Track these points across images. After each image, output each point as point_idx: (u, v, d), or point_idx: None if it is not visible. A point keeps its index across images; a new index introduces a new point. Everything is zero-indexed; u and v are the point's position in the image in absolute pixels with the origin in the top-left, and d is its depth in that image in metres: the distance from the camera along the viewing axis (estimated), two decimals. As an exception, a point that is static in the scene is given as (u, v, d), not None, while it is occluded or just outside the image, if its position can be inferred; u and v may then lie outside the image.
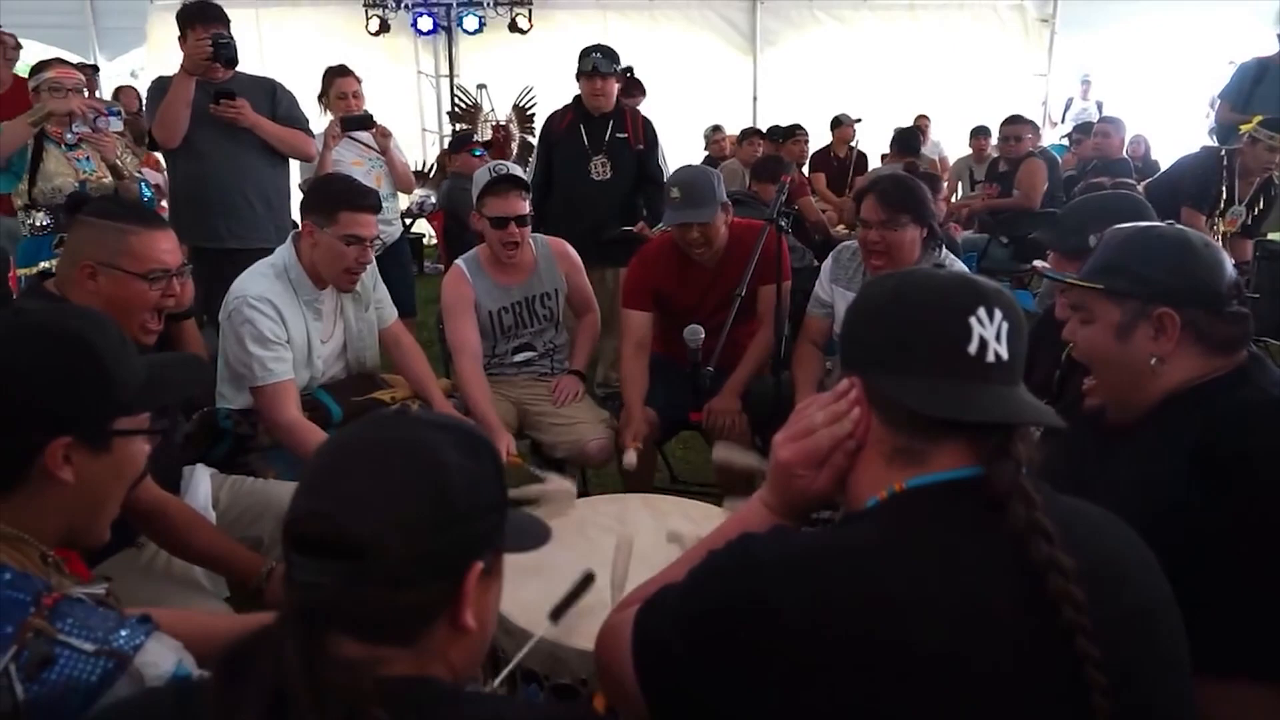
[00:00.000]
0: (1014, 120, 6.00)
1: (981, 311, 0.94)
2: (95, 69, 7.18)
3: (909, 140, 6.31)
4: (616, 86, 4.10)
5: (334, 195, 2.48)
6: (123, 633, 0.99)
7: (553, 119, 4.24)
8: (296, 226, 4.18)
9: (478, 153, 6.37)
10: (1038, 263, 1.69)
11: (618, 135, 4.09)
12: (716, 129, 7.52)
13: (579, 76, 4.07)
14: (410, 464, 0.83)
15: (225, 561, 1.83)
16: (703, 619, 0.91)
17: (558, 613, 1.57)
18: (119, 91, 7.44)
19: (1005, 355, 0.94)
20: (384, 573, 0.79)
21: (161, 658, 1.00)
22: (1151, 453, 1.33)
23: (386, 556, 0.79)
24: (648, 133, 4.19)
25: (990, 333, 0.94)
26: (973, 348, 0.93)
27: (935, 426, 0.93)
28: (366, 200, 2.49)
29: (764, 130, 7.36)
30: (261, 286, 2.43)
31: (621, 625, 1.01)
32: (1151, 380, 1.37)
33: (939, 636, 0.83)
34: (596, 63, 3.99)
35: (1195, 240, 1.38)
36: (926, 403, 0.92)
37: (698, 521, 2.05)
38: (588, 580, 1.63)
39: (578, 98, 4.15)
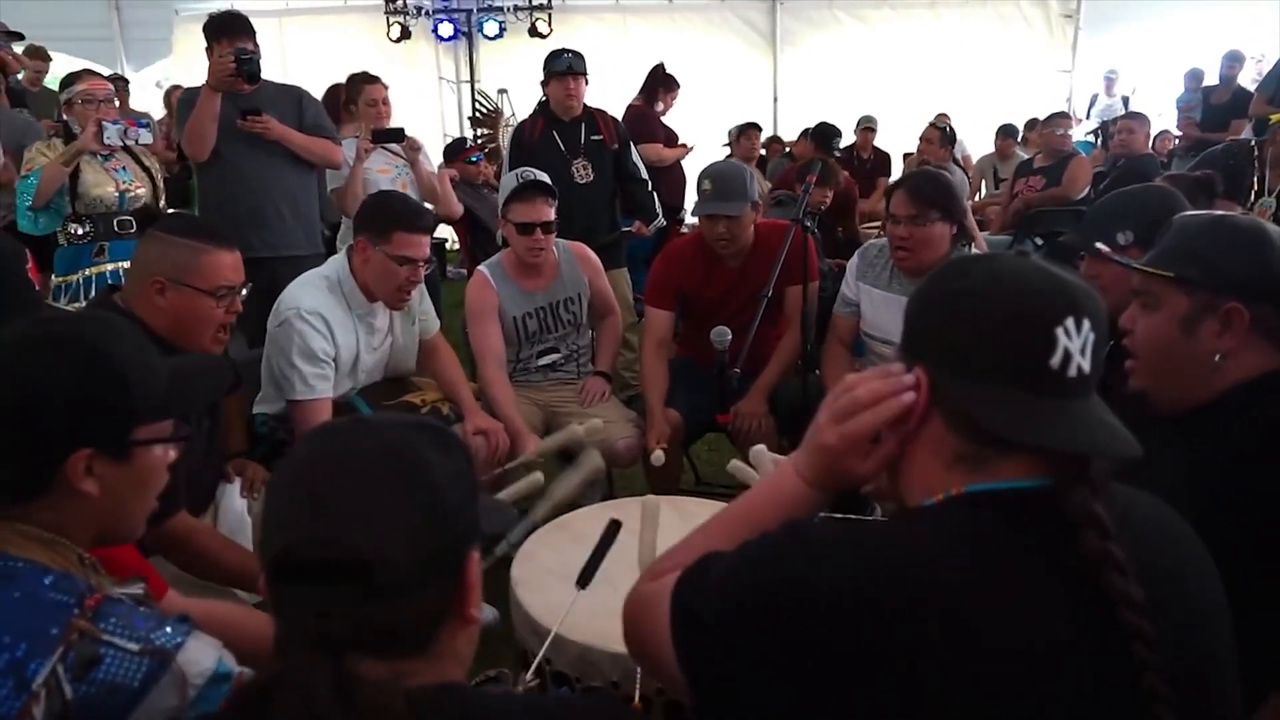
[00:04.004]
0: (1061, 115, 6.08)
1: (1070, 322, 0.87)
2: (125, 81, 7.26)
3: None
4: (586, 89, 4.08)
5: (390, 215, 2.48)
6: (166, 630, 1.00)
7: (523, 128, 4.20)
8: (325, 234, 4.20)
9: (474, 159, 6.35)
10: (1101, 245, 1.64)
11: (593, 137, 4.07)
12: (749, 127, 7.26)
13: (549, 79, 4.03)
14: (396, 471, 0.82)
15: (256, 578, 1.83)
16: (749, 600, 0.88)
17: (585, 578, 1.51)
18: None
19: (1087, 369, 0.89)
20: (393, 585, 0.78)
21: (203, 655, 1.02)
22: (1207, 448, 1.28)
23: (393, 568, 0.78)
24: (620, 132, 4.19)
25: (1076, 345, 0.88)
26: (1055, 361, 0.87)
27: (1001, 439, 0.88)
28: (422, 222, 2.50)
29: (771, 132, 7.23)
30: (315, 300, 2.43)
31: (655, 596, 0.97)
32: (1211, 376, 1.31)
33: (989, 631, 0.81)
34: (570, 62, 3.96)
35: (1273, 233, 1.33)
36: (1005, 425, 0.87)
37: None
38: (613, 532, 1.57)
39: (544, 104, 4.13)
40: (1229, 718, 0.91)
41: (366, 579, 0.77)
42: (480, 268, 3.02)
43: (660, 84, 5.96)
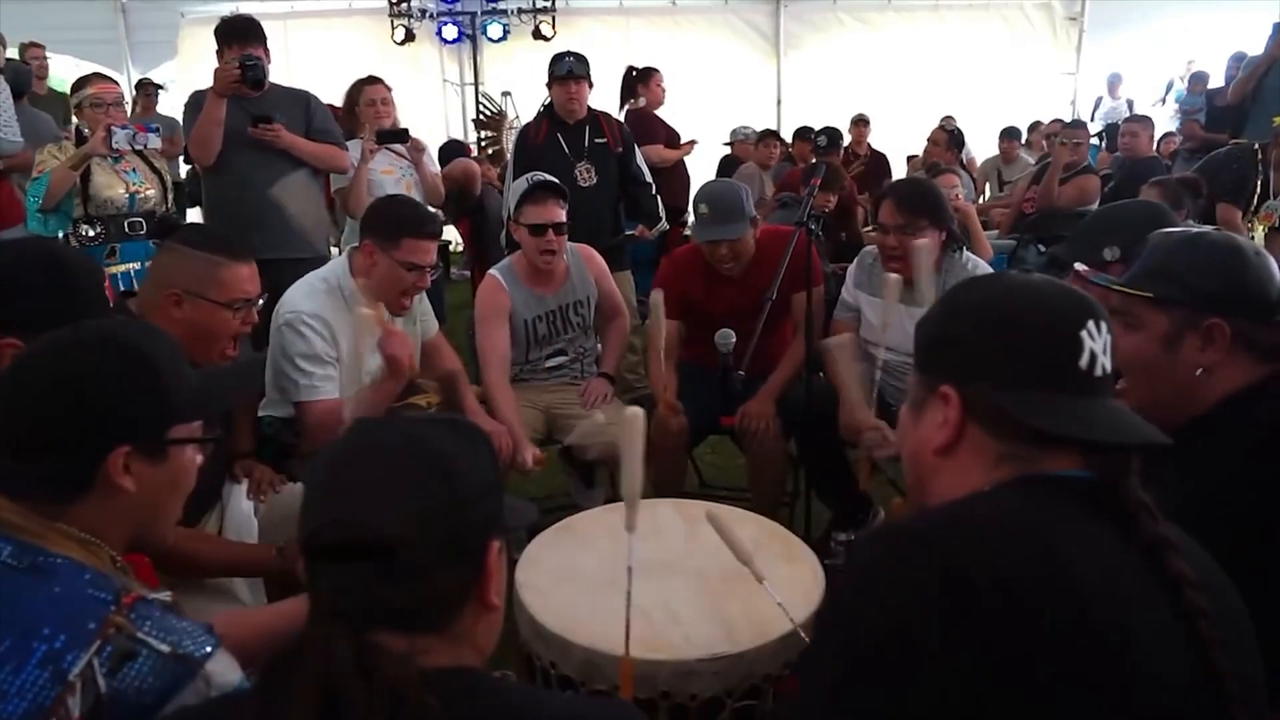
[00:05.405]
0: (1076, 125, 5.97)
1: (1091, 325, 0.95)
2: (158, 87, 7.24)
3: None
4: (589, 92, 4.12)
5: (399, 221, 2.47)
6: (199, 637, 1.03)
7: (527, 131, 4.23)
8: (330, 238, 4.20)
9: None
10: (1079, 265, 1.65)
11: (596, 140, 4.10)
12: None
13: (552, 82, 4.07)
14: (416, 458, 0.88)
15: (237, 561, 1.85)
16: (853, 643, 0.87)
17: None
18: None
19: (1110, 368, 0.96)
20: (411, 566, 0.83)
21: (228, 668, 1.03)
22: (1200, 462, 1.28)
23: (413, 549, 0.83)
24: (624, 135, 4.21)
25: (1099, 346, 0.95)
26: (1084, 362, 0.93)
27: (1048, 437, 0.93)
28: (430, 228, 2.51)
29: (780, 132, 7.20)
30: (315, 303, 2.44)
31: None
32: (1197, 391, 1.33)
33: (1038, 598, 0.82)
34: (571, 66, 4.00)
35: (1247, 248, 1.35)
36: (1051, 421, 0.92)
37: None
38: None
39: (549, 107, 4.16)
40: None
41: (385, 559, 0.82)
42: (492, 271, 3.02)
43: (637, 82, 5.89)
